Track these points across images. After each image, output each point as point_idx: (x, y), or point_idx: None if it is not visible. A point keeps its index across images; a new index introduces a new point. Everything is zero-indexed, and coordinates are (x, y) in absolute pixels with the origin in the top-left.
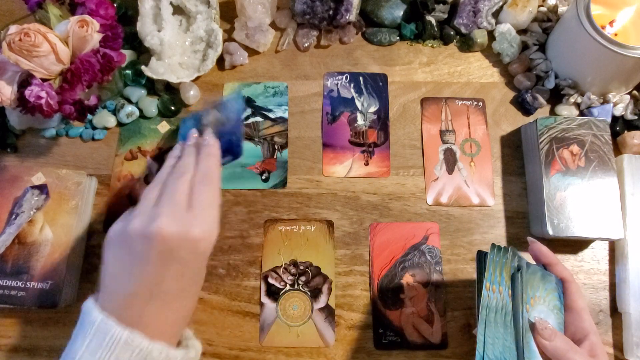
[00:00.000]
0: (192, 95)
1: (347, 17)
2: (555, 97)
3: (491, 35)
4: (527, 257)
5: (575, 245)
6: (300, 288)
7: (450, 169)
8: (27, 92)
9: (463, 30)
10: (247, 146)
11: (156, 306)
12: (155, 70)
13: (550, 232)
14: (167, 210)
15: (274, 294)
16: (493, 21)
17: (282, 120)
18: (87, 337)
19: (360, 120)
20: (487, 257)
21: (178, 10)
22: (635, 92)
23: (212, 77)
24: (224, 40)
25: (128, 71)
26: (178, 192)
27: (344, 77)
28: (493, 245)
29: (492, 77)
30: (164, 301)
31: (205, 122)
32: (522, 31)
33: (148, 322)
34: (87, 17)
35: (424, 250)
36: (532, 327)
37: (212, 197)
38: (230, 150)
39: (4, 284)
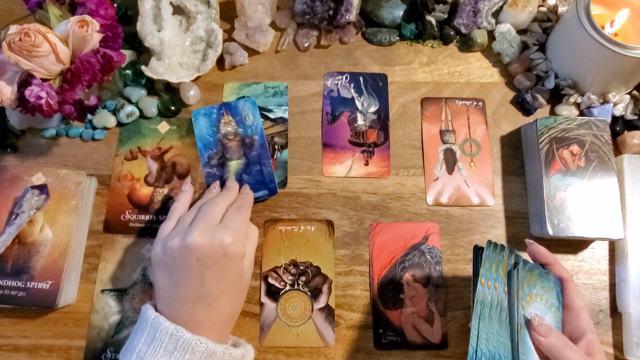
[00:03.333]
0: (192, 95)
1: (347, 17)
2: (555, 97)
3: (491, 35)
4: (525, 257)
5: (575, 245)
6: (300, 288)
7: (450, 169)
8: (27, 92)
9: (463, 30)
10: None
11: (202, 307)
12: (155, 70)
13: (550, 232)
14: (199, 226)
15: (274, 294)
16: (493, 21)
17: (282, 120)
18: (145, 331)
19: (360, 120)
20: (482, 253)
21: (178, 10)
22: (635, 92)
23: (212, 77)
24: (224, 40)
25: (128, 71)
26: (210, 214)
27: (344, 77)
28: (489, 242)
29: (492, 77)
30: (207, 302)
31: (225, 132)
32: (522, 31)
33: (197, 321)
34: (87, 17)
35: (424, 250)
36: (528, 323)
37: (242, 218)
38: (264, 183)
39: (4, 284)
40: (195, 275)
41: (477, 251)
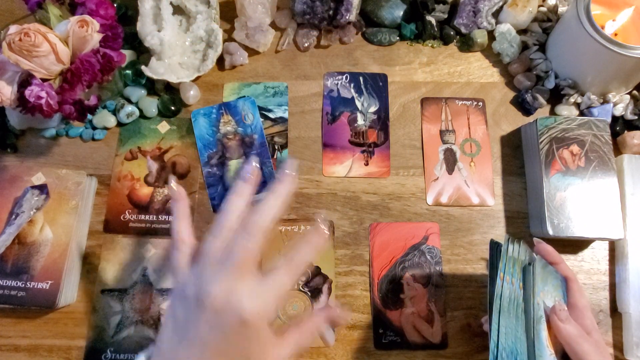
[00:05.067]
0: (192, 95)
1: (347, 17)
2: (555, 97)
3: (491, 35)
4: None
5: (575, 245)
6: (300, 288)
7: (450, 169)
8: (27, 92)
9: (463, 30)
10: None
11: None
12: (155, 70)
13: (550, 232)
14: (221, 277)
15: None
16: (493, 21)
17: (282, 120)
18: None
19: (360, 120)
20: (500, 248)
21: (178, 10)
22: (635, 92)
23: (212, 77)
24: (224, 40)
25: (128, 71)
26: (240, 254)
27: (344, 77)
28: (507, 236)
29: (492, 77)
30: None
31: (224, 132)
32: (522, 31)
33: None
34: (87, 17)
35: (424, 250)
36: (547, 312)
37: (285, 282)
38: (265, 183)
39: (4, 284)
40: (200, 340)
41: (494, 246)
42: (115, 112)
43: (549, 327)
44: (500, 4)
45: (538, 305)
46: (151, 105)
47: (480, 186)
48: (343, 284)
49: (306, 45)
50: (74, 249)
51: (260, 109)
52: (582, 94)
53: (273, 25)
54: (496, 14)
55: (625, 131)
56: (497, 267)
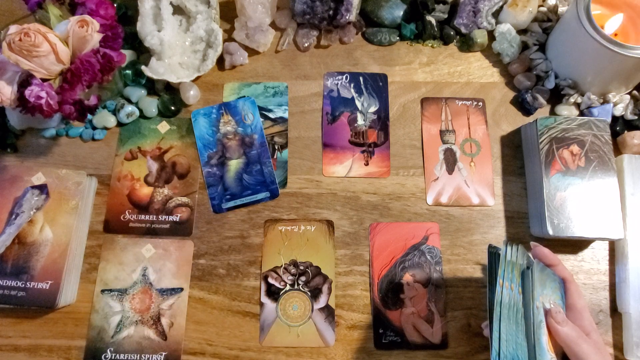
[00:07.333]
0: (192, 95)
1: (347, 17)
2: (555, 97)
3: (491, 35)
4: None
5: (575, 245)
6: (300, 288)
7: (450, 169)
8: (27, 92)
9: (463, 30)
10: None
11: None
12: (155, 70)
13: (550, 232)
14: None
15: (274, 294)
16: (493, 21)
17: (282, 120)
18: None
19: (360, 120)
20: (499, 254)
21: (178, 10)
22: (635, 92)
23: (212, 77)
24: (224, 40)
25: (128, 71)
26: None
27: (344, 77)
28: (505, 242)
29: (492, 77)
30: None
31: (224, 132)
32: (522, 31)
33: None
34: (87, 17)
35: (424, 250)
36: (547, 313)
37: None
38: (264, 183)
39: (4, 284)
40: None
41: (492, 251)
42: (115, 112)
43: (549, 330)
44: (500, 4)
45: (538, 310)
46: (151, 105)
47: (480, 186)
48: (343, 284)
49: (306, 45)
50: (74, 249)
51: (260, 109)
52: (582, 94)
53: (273, 25)
54: (496, 14)
55: (625, 131)
56: (496, 273)
